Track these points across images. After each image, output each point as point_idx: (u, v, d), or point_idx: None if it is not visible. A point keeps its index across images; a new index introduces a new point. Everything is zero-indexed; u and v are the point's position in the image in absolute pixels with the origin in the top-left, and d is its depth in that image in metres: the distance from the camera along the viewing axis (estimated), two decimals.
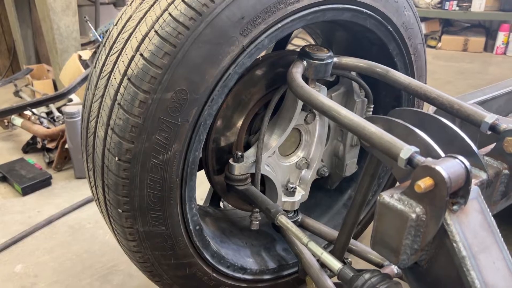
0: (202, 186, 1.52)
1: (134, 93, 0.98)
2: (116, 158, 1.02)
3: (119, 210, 1.08)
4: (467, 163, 0.80)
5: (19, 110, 2.75)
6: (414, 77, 1.49)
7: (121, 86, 1.01)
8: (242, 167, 1.33)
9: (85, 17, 3.38)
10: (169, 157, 1.04)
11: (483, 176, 0.94)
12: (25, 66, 3.96)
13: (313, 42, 1.69)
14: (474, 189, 0.88)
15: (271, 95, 1.36)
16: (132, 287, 1.71)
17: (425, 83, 1.57)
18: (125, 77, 1.00)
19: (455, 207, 0.83)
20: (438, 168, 0.77)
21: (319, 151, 1.51)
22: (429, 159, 0.82)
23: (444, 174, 0.76)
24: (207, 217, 1.52)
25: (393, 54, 1.39)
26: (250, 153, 1.35)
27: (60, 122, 2.92)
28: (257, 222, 1.42)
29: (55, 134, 2.60)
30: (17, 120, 2.81)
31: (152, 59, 0.97)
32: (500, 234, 0.89)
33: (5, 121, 2.94)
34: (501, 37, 5.36)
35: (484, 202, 0.90)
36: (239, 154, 1.32)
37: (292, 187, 1.49)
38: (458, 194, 0.82)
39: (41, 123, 2.79)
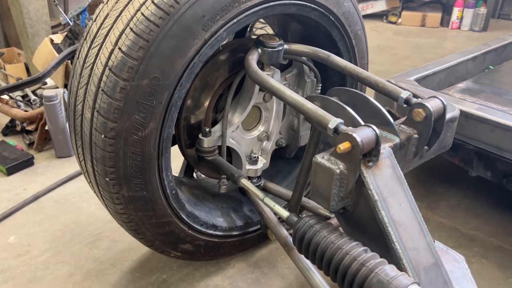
0: (176, 160, 1.74)
1: (115, 81, 1.18)
2: (103, 136, 1.23)
3: (107, 179, 1.29)
4: (378, 130, 1.06)
5: None
6: (356, 59, 1.73)
7: (104, 75, 1.20)
8: (210, 140, 1.56)
9: (54, 0, 3.44)
10: (147, 133, 1.26)
11: (396, 140, 1.21)
12: None
13: (271, 31, 1.90)
14: (387, 150, 1.15)
15: (233, 77, 1.58)
16: (117, 250, 1.93)
17: (367, 63, 1.83)
18: (107, 68, 1.20)
19: (370, 163, 1.09)
20: (354, 134, 1.02)
21: (277, 125, 1.75)
22: (350, 128, 1.08)
23: (358, 139, 1.02)
24: (182, 186, 1.75)
25: (336, 39, 1.63)
26: (217, 128, 1.58)
27: (37, 105, 3.04)
28: (225, 186, 1.66)
29: (34, 116, 2.74)
30: None
31: (129, 52, 1.17)
32: (407, 184, 1.17)
33: None
34: (456, 12, 5.68)
35: (395, 160, 1.17)
36: (207, 129, 1.54)
37: (255, 157, 1.73)
38: (372, 153, 1.08)
39: (19, 106, 2.91)
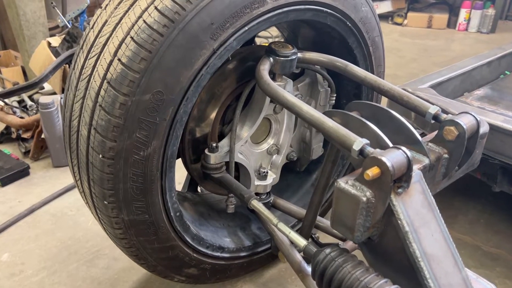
0: (179, 171, 1.62)
1: (114, 96, 1.06)
2: (100, 156, 1.11)
3: (105, 202, 1.17)
4: (409, 153, 0.94)
5: None
6: (372, 67, 1.61)
7: (102, 89, 1.09)
8: (217, 156, 1.44)
9: (52, 2, 3.32)
10: (149, 152, 1.14)
11: (426, 161, 1.09)
12: None
13: (280, 35, 1.78)
14: (417, 173, 1.03)
15: (242, 88, 1.46)
16: (117, 269, 1.82)
17: (383, 71, 1.71)
18: (105, 81, 1.08)
19: (399, 190, 0.97)
20: (383, 159, 0.90)
21: (287, 137, 1.63)
22: (377, 150, 0.96)
23: (389, 164, 0.90)
24: (185, 202, 1.63)
25: (353, 47, 1.51)
26: (224, 143, 1.46)
27: (34, 111, 2.92)
28: (233, 206, 1.55)
29: (30, 124, 2.62)
30: None
31: (129, 64, 1.05)
32: (438, 211, 1.05)
33: None
34: (463, 13, 5.56)
35: (426, 184, 1.05)
36: (214, 144, 1.43)
37: (264, 172, 1.62)
38: (402, 179, 0.96)
39: (14, 113, 2.79)
